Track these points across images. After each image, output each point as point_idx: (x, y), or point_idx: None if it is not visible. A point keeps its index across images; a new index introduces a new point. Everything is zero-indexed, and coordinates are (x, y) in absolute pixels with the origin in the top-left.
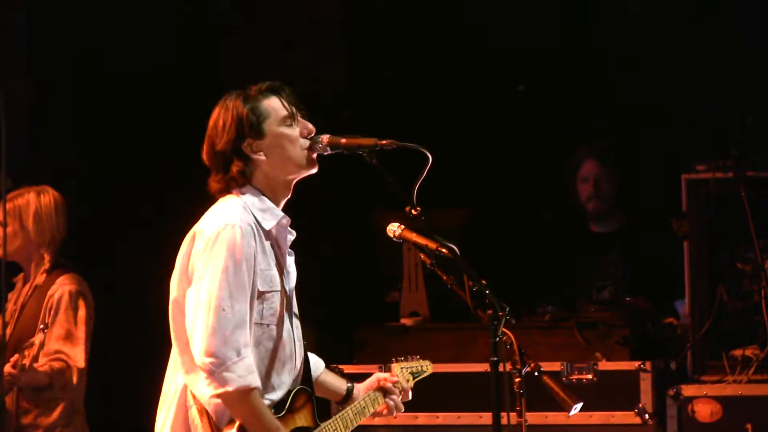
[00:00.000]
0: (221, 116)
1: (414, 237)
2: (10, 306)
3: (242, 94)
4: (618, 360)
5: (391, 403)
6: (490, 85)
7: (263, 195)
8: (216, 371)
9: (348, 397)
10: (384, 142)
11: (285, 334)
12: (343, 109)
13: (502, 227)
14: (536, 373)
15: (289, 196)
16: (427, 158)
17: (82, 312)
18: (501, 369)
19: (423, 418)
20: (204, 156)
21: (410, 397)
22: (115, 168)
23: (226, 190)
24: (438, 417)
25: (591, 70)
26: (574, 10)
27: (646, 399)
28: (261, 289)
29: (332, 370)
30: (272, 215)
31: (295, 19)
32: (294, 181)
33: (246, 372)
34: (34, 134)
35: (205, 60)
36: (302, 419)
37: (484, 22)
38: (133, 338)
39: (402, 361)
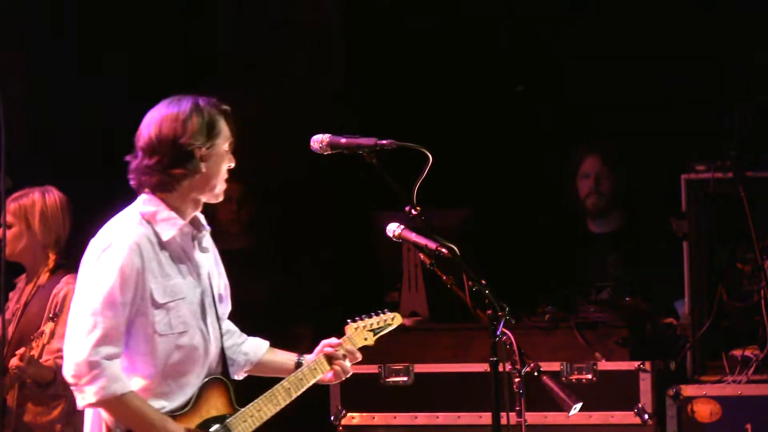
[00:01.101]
0: (194, 112)
1: (413, 237)
2: (12, 305)
3: (210, 101)
4: (617, 360)
5: (337, 368)
6: (490, 85)
7: (164, 204)
8: (78, 384)
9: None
10: (384, 142)
11: (197, 337)
12: (343, 109)
13: (502, 227)
14: (536, 373)
15: (194, 213)
16: (427, 158)
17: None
18: (501, 369)
19: (422, 418)
20: (150, 141)
21: (359, 358)
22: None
23: (151, 187)
24: (438, 417)
25: (590, 70)
26: (574, 9)
27: (646, 399)
28: (161, 301)
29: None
30: (171, 225)
31: (295, 21)
32: (202, 203)
33: (110, 382)
34: (33, 133)
35: (205, 62)
36: (214, 409)
37: (483, 22)
38: None
39: (360, 320)
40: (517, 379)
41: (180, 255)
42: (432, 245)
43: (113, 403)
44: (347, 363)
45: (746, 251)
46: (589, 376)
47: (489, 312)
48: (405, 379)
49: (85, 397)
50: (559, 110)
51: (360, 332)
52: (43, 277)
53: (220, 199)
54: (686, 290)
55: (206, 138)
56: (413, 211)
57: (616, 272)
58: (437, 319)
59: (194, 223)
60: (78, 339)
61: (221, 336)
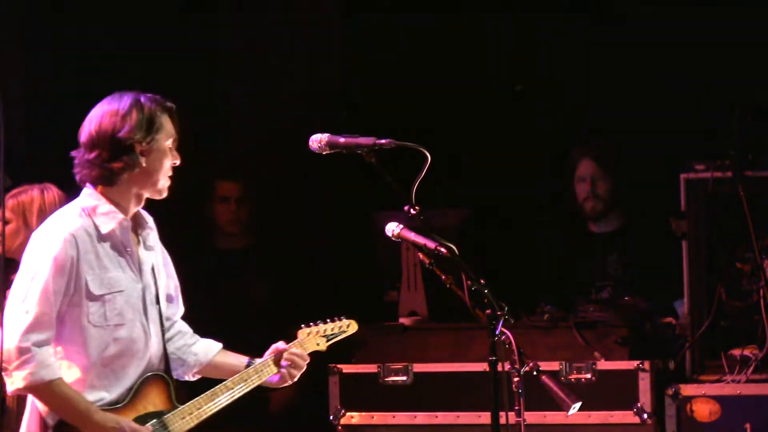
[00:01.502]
0: (134, 107)
1: (413, 236)
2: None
3: (153, 98)
4: (617, 360)
5: (284, 371)
6: (489, 85)
7: (105, 198)
8: (8, 369)
9: None
10: (383, 141)
11: (136, 330)
12: (342, 108)
13: (501, 227)
14: (535, 373)
15: (136, 209)
16: (426, 157)
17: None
18: (500, 369)
19: (422, 418)
20: (90, 136)
21: (305, 363)
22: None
23: (92, 180)
24: (437, 416)
25: (589, 70)
26: (573, 9)
27: (645, 398)
28: (97, 293)
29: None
30: (111, 218)
31: (294, 18)
32: (144, 198)
33: (38, 368)
34: (32, 132)
35: (205, 61)
36: (152, 405)
37: (483, 22)
38: None
39: (314, 325)
40: (516, 379)
41: (120, 249)
42: (431, 245)
43: (41, 389)
44: (295, 367)
45: (745, 251)
46: (589, 376)
47: (488, 311)
48: (404, 378)
49: (13, 382)
50: (558, 109)
51: (312, 337)
52: None
53: (164, 195)
54: (685, 290)
55: (146, 133)
56: (412, 211)
57: (615, 272)
58: (436, 319)
59: (137, 220)
60: (9, 326)
61: (163, 333)
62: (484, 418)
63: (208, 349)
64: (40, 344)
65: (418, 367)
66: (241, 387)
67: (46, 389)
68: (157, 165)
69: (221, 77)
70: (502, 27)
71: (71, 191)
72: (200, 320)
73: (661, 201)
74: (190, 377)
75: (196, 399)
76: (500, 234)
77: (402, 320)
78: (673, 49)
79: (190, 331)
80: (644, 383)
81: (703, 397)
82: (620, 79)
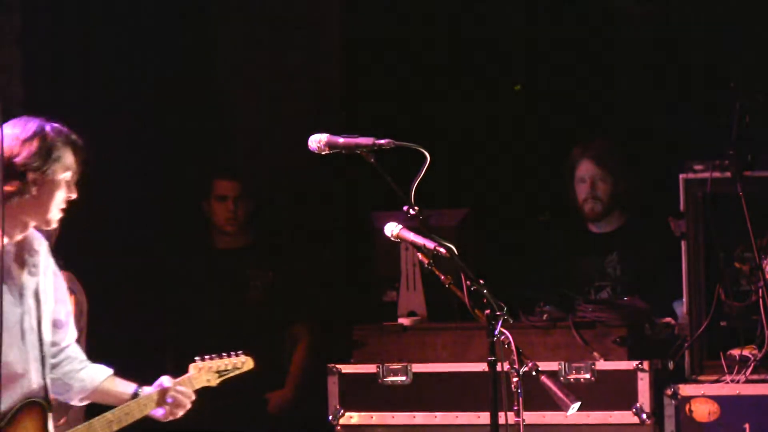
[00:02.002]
0: (36, 135)
1: (412, 237)
2: None
3: (57, 129)
4: (616, 360)
5: (168, 407)
6: (488, 84)
7: None
8: None
9: None
10: (382, 141)
11: (12, 355)
12: (341, 108)
13: (500, 227)
14: (534, 373)
15: (22, 235)
16: (426, 158)
17: (69, 309)
18: (499, 369)
19: (421, 418)
20: None
21: (189, 401)
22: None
23: None
24: (436, 416)
25: (589, 69)
26: (571, 10)
27: (644, 399)
28: None
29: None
30: None
31: (293, 18)
32: (31, 227)
33: None
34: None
35: (204, 61)
36: None
37: (482, 21)
38: (129, 336)
39: (208, 360)
40: (515, 379)
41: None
42: (430, 245)
43: None
44: (178, 405)
45: (744, 251)
46: (588, 376)
47: (487, 311)
48: (403, 378)
49: None
50: (558, 109)
51: (204, 373)
52: None
53: (53, 226)
54: (684, 290)
55: (42, 162)
56: (411, 211)
57: (614, 272)
58: (435, 319)
59: (23, 245)
60: None
61: (43, 359)
62: (484, 418)
63: (95, 376)
64: None
65: (417, 367)
66: (121, 420)
67: None
68: (47, 196)
69: (220, 77)
70: (502, 26)
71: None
72: (196, 320)
73: (660, 201)
74: (77, 402)
75: (72, 429)
76: (499, 234)
77: (401, 320)
78: (671, 49)
79: (81, 356)
80: (643, 383)
81: (702, 397)
82: (620, 78)
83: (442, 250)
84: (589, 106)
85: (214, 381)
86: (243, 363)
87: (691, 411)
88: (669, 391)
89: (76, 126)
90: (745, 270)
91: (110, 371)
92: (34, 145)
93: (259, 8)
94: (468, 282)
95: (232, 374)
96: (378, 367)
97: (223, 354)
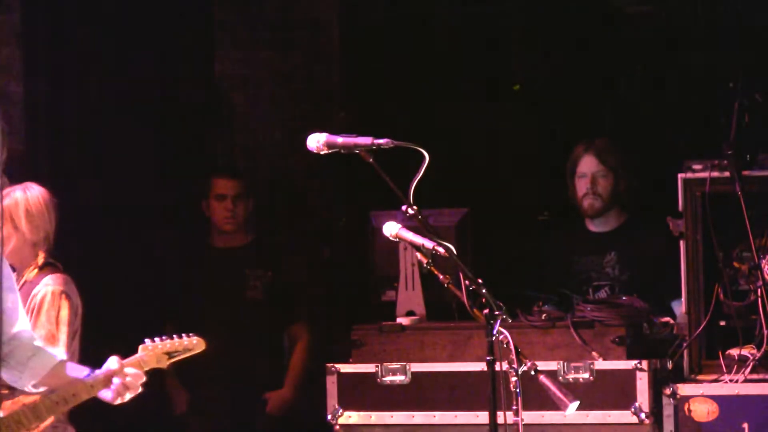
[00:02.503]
0: None
1: (410, 236)
2: None
3: None
4: (614, 359)
5: (116, 388)
6: (487, 84)
7: None
8: None
9: None
10: (381, 141)
11: None
12: (340, 108)
13: (499, 226)
14: (533, 372)
15: None
16: (424, 157)
17: (64, 312)
18: (498, 368)
19: (419, 417)
20: None
21: (139, 382)
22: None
23: None
24: (434, 416)
25: (588, 69)
26: (571, 9)
27: (643, 398)
28: None
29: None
30: None
31: (292, 18)
32: None
33: None
34: (30, 133)
35: (204, 61)
36: None
37: (481, 21)
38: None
39: (158, 341)
40: (514, 378)
41: None
42: (429, 244)
43: None
44: (129, 387)
45: (743, 250)
46: (586, 375)
47: (486, 311)
48: (402, 378)
49: None
50: (557, 108)
51: (153, 354)
52: (31, 274)
53: None
54: (683, 289)
55: None
56: (410, 211)
57: (613, 271)
58: (434, 319)
59: None
60: None
61: None
62: (482, 417)
63: (46, 362)
64: None
65: (416, 367)
66: (68, 401)
67: None
68: None
69: (219, 77)
70: (502, 26)
71: (67, 190)
72: (197, 318)
73: (659, 201)
74: (30, 389)
75: (15, 412)
76: (498, 233)
77: (400, 320)
78: (671, 49)
79: (31, 343)
80: (642, 383)
81: (700, 397)
82: (619, 78)
83: (440, 249)
84: (589, 106)
85: (164, 362)
86: (194, 344)
87: (689, 410)
88: (668, 391)
89: (76, 126)
90: (744, 269)
91: (61, 357)
92: None
93: (259, 8)
94: (467, 281)
95: (183, 356)
96: (377, 366)
97: (174, 335)
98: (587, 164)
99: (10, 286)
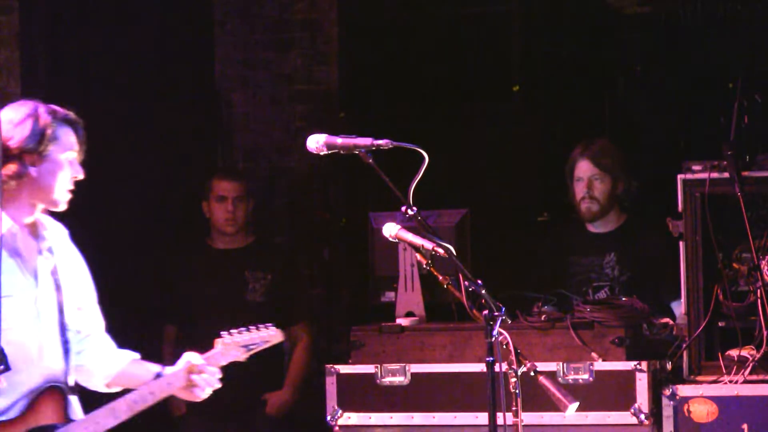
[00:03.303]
0: (28, 117)
1: (410, 237)
2: None
3: (51, 109)
4: (614, 360)
5: (195, 385)
6: (486, 85)
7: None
8: None
9: None
10: (380, 141)
11: (28, 337)
12: (340, 109)
13: (498, 227)
14: (532, 373)
15: (32, 218)
16: (424, 158)
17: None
18: (497, 369)
19: (419, 418)
20: None
21: (217, 378)
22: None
23: None
24: (434, 417)
25: (586, 70)
26: (571, 11)
27: (642, 399)
28: None
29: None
30: (1, 226)
31: (291, 19)
32: (39, 208)
33: None
34: None
35: (201, 61)
36: (44, 418)
37: (480, 23)
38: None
39: (236, 333)
40: (513, 379)
41: (11, 255)
42: (428, 245)
43: None
44: (204, 381)
45: (743, 251)
46: (586, 376)
47: (485, 312)
48: (401, 379)
49: None
50: (557, 109)
51: (230, 348)
52: None
53: (60, 207)
54: (682, 290)
55: (38, 143)
56: (410, 211)
57: (612, 272)
58: (433, 320)
59: (35, 228)
60: None
61: (65, 343)
62: (482, 418)
63: (119, 360)
64: None
65: (416, 368)
66: (146, 399)
67: None
68: (48, 177)
69: (219, 77)
70: (502, 26)
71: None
72: (197, 320)
73: (658, 202)
74: (102, 389)
75: (93, 413)
76: (497, 234)
77: (399, 321)
78: (670, 49)
79: (106, 342)
80: (641, 384)
81: (700, 398)
82: (619, 78)
83: (440, 250)
84: (589, 106)
85: (243, 356)
86: (272, 336)
87: (689, 411)
88: (667, 392)
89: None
90: (744, 270)
91: (136, 355)
92: (27, 127)
93: (258, 9)
94: (466, 282)
95: (261, 347)
96: (376, 367)
97: (251, 327)
98: (583, 168)
99: (86, 287)
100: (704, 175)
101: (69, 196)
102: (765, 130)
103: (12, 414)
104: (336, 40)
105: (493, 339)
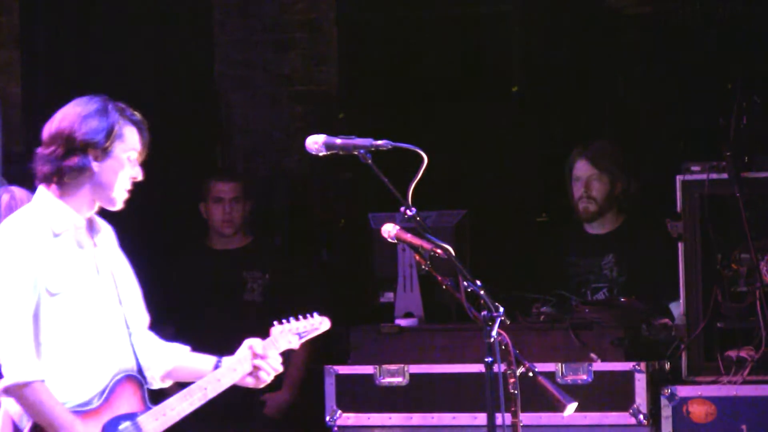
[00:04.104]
0: (97, 112)
1: (409, 238)
2: None
3: (119, 107)
4: (613, 361)
5: (260, 370)
6: (484, 86)
7: (59, 198)
8: None
9: None
10: (379, 142)
11: (98, 330)
12: (339, 110)
13: (497, 228)
14: (531, 374)
15: (90, 213)
16: (423, 159)
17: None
18: (495, 370)
19: (417, 419)
20: (50, 132)
21: (279, 362)
22: None
23: (45, 177)
24: (433, 417)
25: (586, 70)
26: (568, 10)
27: (641, 400)
28: (54, 290)
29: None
30: (64, 218)
31: (291, 20)
32: (96, 205)
33: (21, 367)
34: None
35: (202, 62)
36: (125, 406)
37: (478, 24)
38: None
39: (287, 322)
40: (512, 380)
41: (75, 249)
42: (427, 246)
43: (20, 390)
44: (269, 365)
45: (742, 252)
46: (584, 377)
47: (484, 313)
48: (400, 379)
49: None
50: (556, 109)
51: (285, 335)
52: None
53: (117, 206)
54: (681, 291)
55: (103, 139)
56: (408, 212)
57: (611, 273)
58: (432, 320)
59: (91, 224)
60: None
61: (129, 335)
62: (480, 419)
63: (174, 354)
64: (24, 340)
65: (414, 369)
66: (215, 386)
67: (25, 390)
68: (110, 174)
69: (218, 78)
70: (500, 28)
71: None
72: (195, 320)
73: (658, 202)
74: (158, 383)
75: (169, 400)
76: (496, 235)
77: (398, 321)
78: (668, 50)
79: (155, 337)
80: (640, 384)
81: (699, 399)
82: (615, 79)
83: (439, 251)
84: (588, 107)
85: (296, 343)
86: (320, 324)
87: (688, 412)
88: (666, 392)
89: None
90: (743, 271)
91: (187, 348)
92: (95, 121)
93: (258, 10)
94: (465, 283)
95: (311, 335)
96: (375, 368)
97: (300, 316)
98: (581, 168)
99: (134, 282)
100: (703, 176)
101: (126, 195)
102: (764, 130)
103: (95, 404)
104: (336, 40)
105: (492, 340)
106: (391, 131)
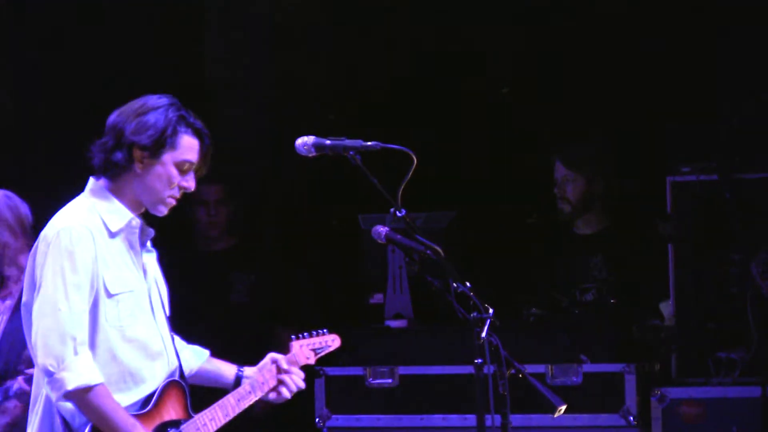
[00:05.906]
0: (154, 114)
1: (399, 239)
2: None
3: (182, 115)
4: (603, 362)
5: (287, 385)
6: (476, 87)
7: (112, 195)
8: (55, 372)
9: (238, 384)
10: (368, 143)
11: (149, 333)
12: (329, 111)
13: (487, 229)
14: (521, 375)
15: (139, 213)
16: (412, 160)
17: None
18: (485, 371)
19: (407, 420)
20: (109, 121)
21: (302, 376)
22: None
23: (97, 168)
24: (422, 419)
25: (576, 71)
26: (561, 12)
27: (631, 401)
28: (112, 291)
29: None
30: (120, 217)
31: (284, 21)
32: (143, 209)
33: (84, 370)
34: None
35: (194, 62)
36: (172, 413)
37: (470, 24)
38: None
39: (303, 338)
40: (502, 381)
41: (127, 248)
42: (417, 247)
43: (84, 394)
44: (292, 382)
45: (731, 253)
46: (575, 378)
47: (474, 314)
48: (390, 381)
49: (62, 385)
50: (546, 111)
51: (304, 350)
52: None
53: (160, 213)
54: (671, 292)
55: (152, 142)
56: (398, 213)
57: (600, 274)
58: (422, 321)
59: (142, 225)
60: (46, 328)
61: (173, 339)
62: (470, 420)
63: (198, 357)
64: (84, 342)
65: (404, 370)
66: (246, 399)
67: (88, 394)
68: (153, 179)
69: (210, 80)
70: (491, 28)
71: (64, 196)
72: (183, 323)
73: (647, 203)
74: None
75: (209, 409)
76: (486, 236)
77: (388, 322)
78: (663, 50)
79: (181, 341)
80: (630, 386)
81: (689, 400)
82: (605, 80)
83: (429, 252)
84: (578, 108)
85: (313, 359)
86: (333, 342)
87: (678, 413)
88: (656, 394)
89: (72, 129)
90: (733, 272)
91: (207, 352)
92: (149, 121)
93: (250, 11)
94: (455, 284)
95: (325, 352)
96: (365, 369)
97: (313, 332)
98: (557, 170)
99: (164, 283)
100: (693, 177)
101: (172, 203)
102: (756, 132)
103: (147, 407)
104: (329, 41)
105: (482, 341)
106: (382, 132)
